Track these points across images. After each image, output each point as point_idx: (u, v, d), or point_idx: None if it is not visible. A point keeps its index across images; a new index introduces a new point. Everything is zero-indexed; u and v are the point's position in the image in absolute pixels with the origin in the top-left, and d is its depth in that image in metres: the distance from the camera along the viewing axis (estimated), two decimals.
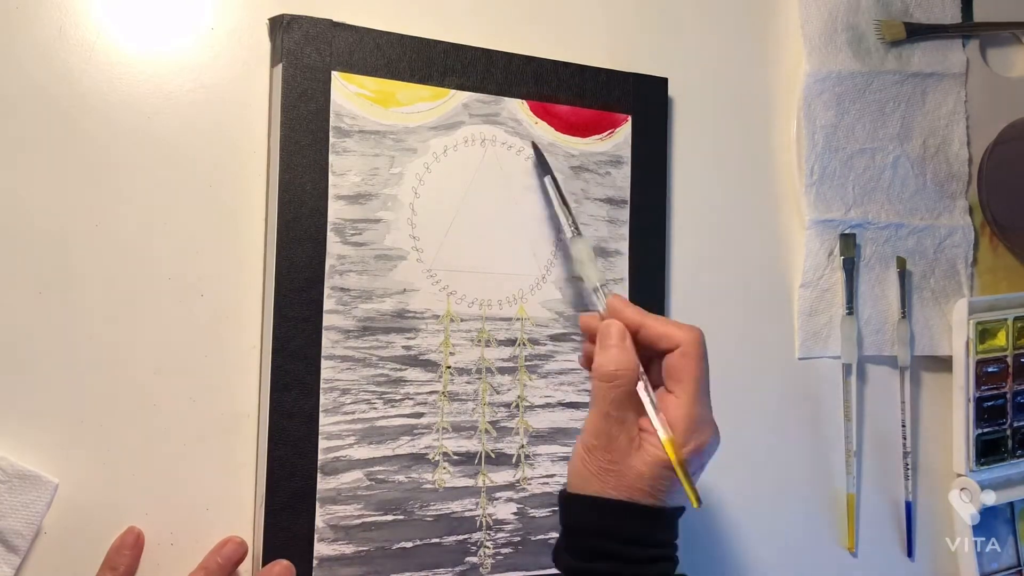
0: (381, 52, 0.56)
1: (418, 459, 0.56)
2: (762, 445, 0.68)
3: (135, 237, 0.51)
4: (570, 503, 0.48)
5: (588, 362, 0.52)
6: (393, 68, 0.56)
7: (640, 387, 0.48)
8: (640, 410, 0.48)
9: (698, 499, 0.47)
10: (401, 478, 0.55)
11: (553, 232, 0.60)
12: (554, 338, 0.60)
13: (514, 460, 0.58)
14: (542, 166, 0.58)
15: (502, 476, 0.58)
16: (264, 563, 0.51)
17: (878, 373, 0.72)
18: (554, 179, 0.57)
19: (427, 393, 0.56)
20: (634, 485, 0.46)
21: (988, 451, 0.73)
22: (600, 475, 0.47)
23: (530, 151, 0.59)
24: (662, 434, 0.46)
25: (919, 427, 0.74)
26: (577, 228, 0.56)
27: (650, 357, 0.50)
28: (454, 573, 0.56)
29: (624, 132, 0.63)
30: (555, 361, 0.60)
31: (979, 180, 0.77)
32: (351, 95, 0.54)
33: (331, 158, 0.54)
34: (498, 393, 0.58)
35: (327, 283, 0.53)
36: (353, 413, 0.54)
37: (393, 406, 0.55)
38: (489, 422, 0.58)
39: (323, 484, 0.53)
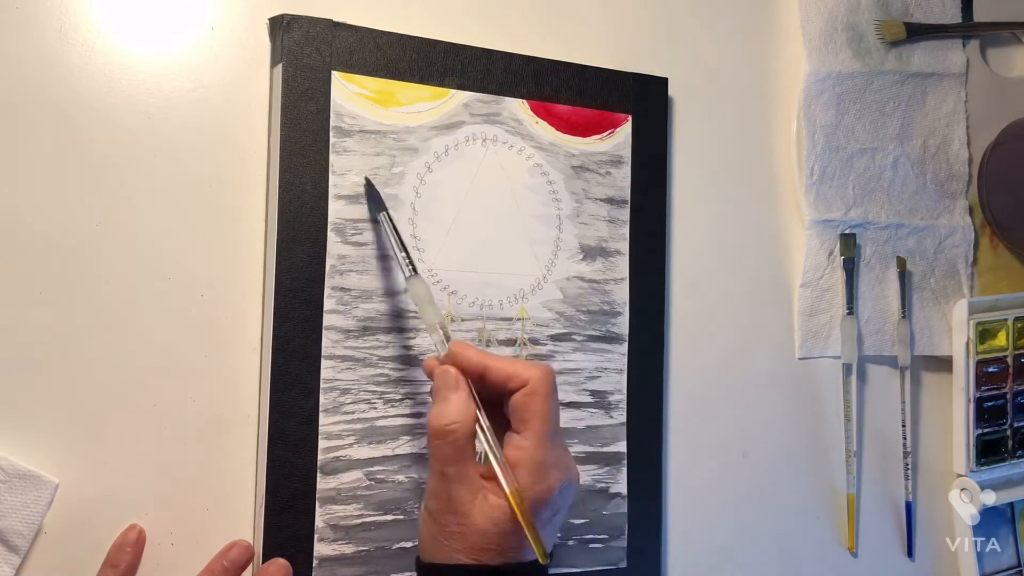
0: (381, 52, 0.56)
1: (418, 459, 0.55)
2: (762, 445, 0.68)
3: (135, 237, 0.51)
4: (420, 573, 0.46)
5: None
6: (393, 68, 0.56)
7: (481, 437, 0.45)
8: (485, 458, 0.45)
9: (545, 553, 0.43)
10: (401, 478, 0.55)
11: (554, 231, 0.60)
12: (555, 338, 0.60)
13: None
14: (375, 203, 0.53)
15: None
16: (263, 563, 0.51)
17: (878, 373, 0.72)
18: (389, 216, 0.53)
19: (427, 393, 0.56)
20: (479, 545, 0.43)
21: (988, 451, 0.73)
22: (446, 539, 0.44)
23: (531, 151, 0.59)
24: (505, 485, 0.43)
25: (919, 427, 0.74)
26: (414, 267, 0.51)
27: (500, 400, 0.47)
28: None
29: (624, 132, 0.63)
30: (555, 361, 0.60)
31: (979, 180, 0.77)
32: (351, 95, 0.54)
33: (331, 158, 0.54)
34: None
35: (327, 283, 0.53)
36: (353, 413, 0.54)
37: (393, 406, 0.55)
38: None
39: (323, 484, 0.53)
